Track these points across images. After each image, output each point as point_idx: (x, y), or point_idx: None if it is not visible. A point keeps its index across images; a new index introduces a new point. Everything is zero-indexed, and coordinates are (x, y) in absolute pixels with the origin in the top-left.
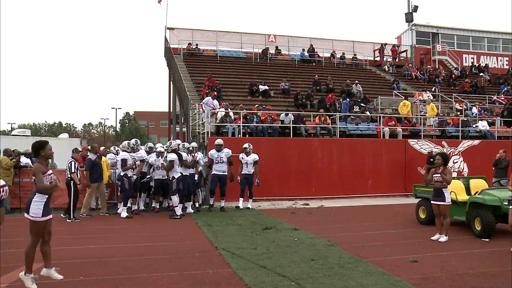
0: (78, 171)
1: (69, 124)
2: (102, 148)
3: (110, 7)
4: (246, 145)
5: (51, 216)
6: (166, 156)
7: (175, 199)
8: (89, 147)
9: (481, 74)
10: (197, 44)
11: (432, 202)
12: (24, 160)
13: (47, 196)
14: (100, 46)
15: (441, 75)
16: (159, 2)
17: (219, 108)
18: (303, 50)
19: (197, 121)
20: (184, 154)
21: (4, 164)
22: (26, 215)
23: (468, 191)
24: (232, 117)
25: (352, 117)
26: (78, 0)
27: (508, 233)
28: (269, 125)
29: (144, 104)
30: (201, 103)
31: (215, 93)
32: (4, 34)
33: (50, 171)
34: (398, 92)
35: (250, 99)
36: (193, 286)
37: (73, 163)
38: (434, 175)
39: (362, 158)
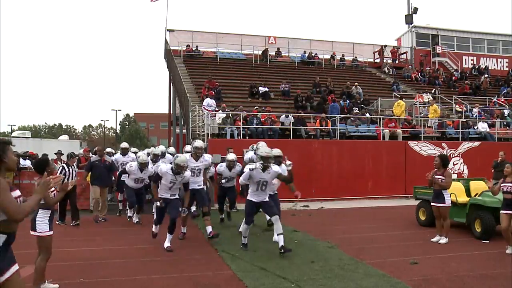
0: (73, 174)
1: (69, 126)
2: (109, 149)
3: (110, 9)
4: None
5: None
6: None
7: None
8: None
9: (485, 76)
10: (197, 46)
11: (432, 204)
12: (22, 162)
13: (50, 210)
14: (100, 48)
15: (441, 77)
16: (152, 1)
17: (217, 109)
18: (304, 52)
19: (197, 123)
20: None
21: None
22: (33, 232)
23: (468, 193)
24: (232, 119)
25: (352, 118)
26: (79, 1)
27: None
28: (269, 127)
29: (144, 106)
30: (203, 106)
31: (213, 93)
32: (4, 35)
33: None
34: (398, 94)
35: (250, 100)
36: None
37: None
38: (434, 177)
39: (362, 160)
